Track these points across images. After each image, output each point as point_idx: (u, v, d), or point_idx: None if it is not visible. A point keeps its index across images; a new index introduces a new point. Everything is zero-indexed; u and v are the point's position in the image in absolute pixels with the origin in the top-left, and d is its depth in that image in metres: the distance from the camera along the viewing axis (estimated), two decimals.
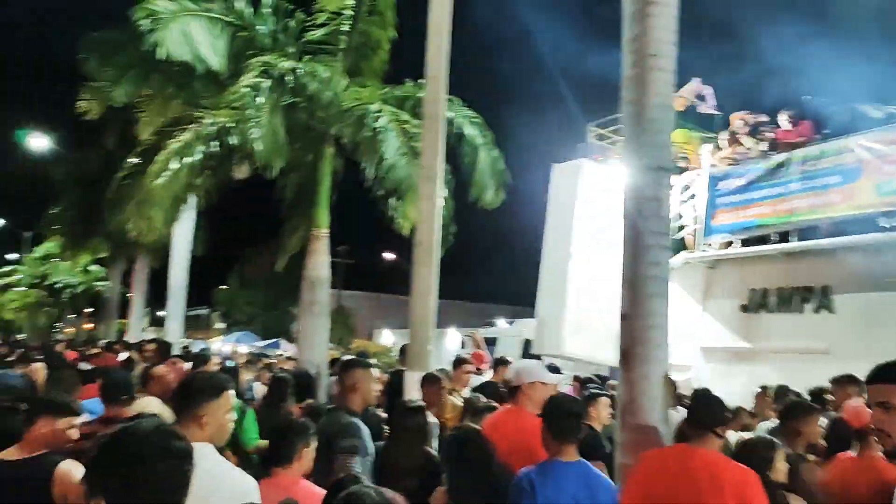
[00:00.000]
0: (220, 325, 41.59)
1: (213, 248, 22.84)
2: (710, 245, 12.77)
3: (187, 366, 7.33)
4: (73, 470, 3.23)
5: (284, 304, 36.89)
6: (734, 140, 13.05)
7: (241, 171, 11.44)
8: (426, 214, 8.10)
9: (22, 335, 34.78)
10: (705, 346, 12.56)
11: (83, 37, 14.38)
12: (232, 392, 2.89)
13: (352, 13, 10.53)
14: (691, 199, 13.17)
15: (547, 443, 3.68)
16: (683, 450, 3.38)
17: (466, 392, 6.44)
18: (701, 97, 15.08)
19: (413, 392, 7.11)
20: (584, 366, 12.73)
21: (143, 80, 13.46)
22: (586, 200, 13.46)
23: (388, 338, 33.47)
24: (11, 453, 3.31)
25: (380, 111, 9.95)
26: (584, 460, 3.67)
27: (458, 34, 8.17)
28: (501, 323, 24.07)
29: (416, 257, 8.05)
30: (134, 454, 1.66)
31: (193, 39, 10.05)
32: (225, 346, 28.02)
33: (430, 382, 5.71)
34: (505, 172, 11.27)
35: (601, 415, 5.53)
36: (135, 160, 12.42)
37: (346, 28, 10.64)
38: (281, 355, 18.83)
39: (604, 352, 11.38)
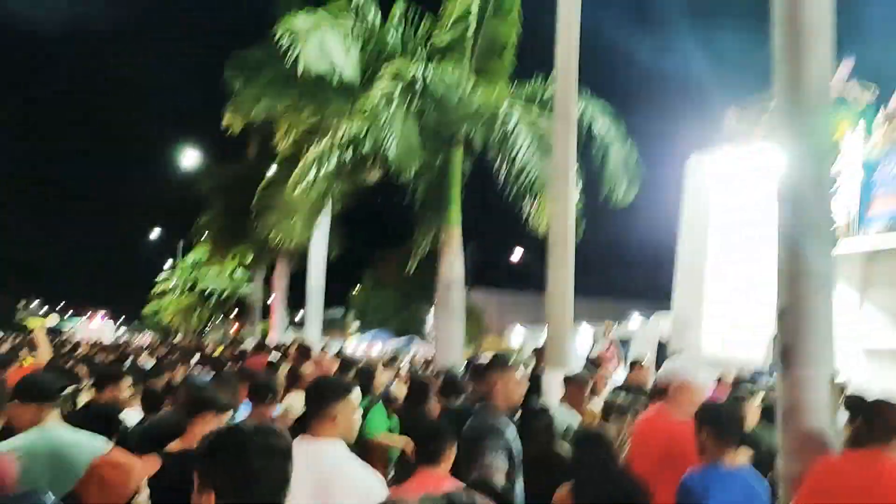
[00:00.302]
0: (354, 326, 42.96)
1: (347, 251, 23.56)
2: (866, 235, 11.84)
3: (333, 366, 7.59)
4: None
5: (416, 303, 37.67)
6: (891, 121, 12.04)
7: (373, 176, 11.75)
8: (560, 213, 8.01)
9: (178, 337, 37.40)
10: (869, 348, 11.61)
11: (228, 57, 15.36)
12: (357, 393, 3.11)
13: (477, 14, 10.59)
14: (844, 187, 12.27)
15: (706, 447, 3.56)
16: (864, 457, 3.13)
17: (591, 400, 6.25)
18: (847, 78, 14.02)
19: (554, 392, 7.04)
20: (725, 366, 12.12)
21: (280, 95, 14.18)
22: (725, 191, 12.87)
23: (519, 335, 33.33)
24: (176, 446, 3.56)
25: (510, 111, 9.93)
26: (747, 465, 3.55)
27: (584, 22, 8.03)
28: (635, 319, 23.37)
29: (551, 256, 7.97)
30: (236, 451, 1.75)
31: (329, 51, 10.42)
32: (360, 345, 28.94)
33: (574, 383, 5.61)
34: (638, 166, 10.96)
35: (748, 418, 5.24)
36: (274, 170, 13.08)
37: (472, 29, 10.71)
38: (415, 355, 19.21)
39: (747, 351, 10.82)
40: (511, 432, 4.06)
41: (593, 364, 6.73)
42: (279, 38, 10.33)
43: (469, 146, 11.02)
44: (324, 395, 3.03)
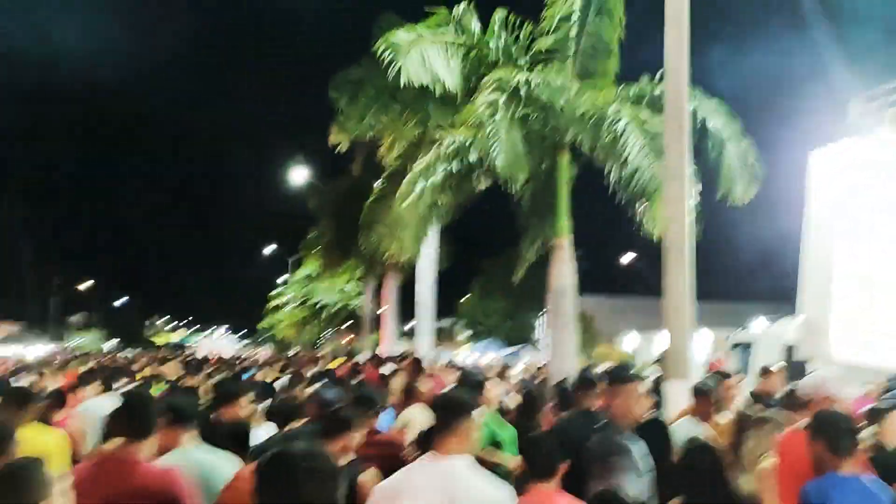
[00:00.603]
0: (464, 336, 43.09)
1: (454, 261, 23.65)
2: None
3: (449, 379, 7.57)
4: (372, 476, 3.62)
5: (526, 311, 37.37)
6: None
7: (480, 185, 11.69)
8: (675, 216, 7.70)
9: (293, 350, 38.64)
10: None
11: (332, 77, 15.82)
12: (482, 409, 3.30)
13: (580, 16, 10.38)
14: None
15: (822, 456, 3.53)
16: None
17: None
18: None
19: (676, 404, 6.73)
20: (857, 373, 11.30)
21: (383, 110, 14.44)
22: (852, 185, 12.05)
23: (632, 341, 32.44)
24: None
25: (618, 113, 9.65)
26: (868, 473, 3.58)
27: (692, 17, 7.71)
28: (758, 324, 22.24)
29: (667, 261, 7.67)
30: (286, 474, 1.82)
31: (431, 63, 10.47)
32: (471, 356, 28.97)
33: (703, 394, 5.31)
34: (756, 164, 10.41)
35: (894, 431, 4.78)
36: (381, 184, 13.27)
37: (574, 32, 10.51)
38: (527, 365, 19.01)
39: (883, 357, 10.05)
40: (639, 450, 3.87)
41: (720, 374, 6.36)
42: (380, 54, 10.48)
43: (576, 151, 10.78)
44: (452, 412, 3.09)
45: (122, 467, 3.08)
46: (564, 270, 10.54)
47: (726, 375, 6.33)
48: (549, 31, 10.58)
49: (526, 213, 11.78)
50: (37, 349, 32.63)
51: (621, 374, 4.53)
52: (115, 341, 60.46)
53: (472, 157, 10.02)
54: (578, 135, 10.14)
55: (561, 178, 10.73)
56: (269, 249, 46.55)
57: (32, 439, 4.46)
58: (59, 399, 6.38)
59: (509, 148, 9.51)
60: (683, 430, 4.96)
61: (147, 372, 11.59)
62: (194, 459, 3.43)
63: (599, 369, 8.58)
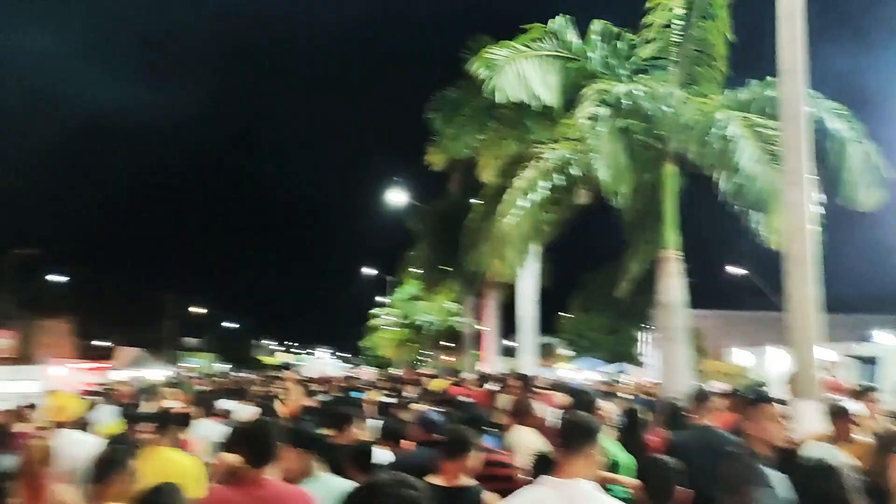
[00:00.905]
0: (565, 352, 42.41)
1: (554, 277, 23.33)
2: None
3: (559, 399, 7.37)
4: (493, 500, 3.66)
5: (627, 327, 36.44)
6: None
7: (582, 200, 11.46)
8: (795, 223, 7.26)
9: (395, 369, 39.09)
10: None
11: (428, 98, 16.06)
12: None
13: (682, 22, 10.05)
14: None
15: None
16: None
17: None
18: None
19: (806, 426, 6.30)
20: None
21: (480, 129, 14.47)
22: None
23: (742, 357, 30.99)
24: (441, 480, 3.68)
25: (727, 119, 9.24)
26: None
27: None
28: (883, 336, 20.80)
29: (789, 271, 7.23)
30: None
31: (527, 79, 10.38)
32: (572, 373, 28.43)
33: (840, 415, 4.94)
34: (881, 167, 9.75)
35: None
36: (480, 203, 13.23)
37: (677, 39, 10.19)
38: (631, 382, 18.44)
39: None
40: (779, 482, 3.58)
41: (861, 390, 5.92)
42: (476, 71, 10.47)
43: (682, 161, 10.41)
44: (579, 435, 3.09)
45: (256, 489, 3.12)
46: (673, 284, 10.14)
47: (865, 391, 5.89)
48: (650, 39, 10.30)
49: (630, 226, 11.44)
50: (155, 372, 34.27)
51: (756, 395, 4.25)
52: (225, 364, 62.90)
53: (574, 172, 9.85)
54: (685, 144, 9.78)
55: (666, 189, 10.37)
56: (368, 271, 47.40)
57: (169, 462, 4.61)
58: (184, 421, 6.59)
59: (612, 160, 9.27)
60: (819, 455, 4.62)
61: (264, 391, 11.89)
62: (328, 487, 3.42)
63: (714, 387, 8.18)
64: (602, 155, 9.14)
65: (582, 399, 6.51)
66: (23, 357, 32.91)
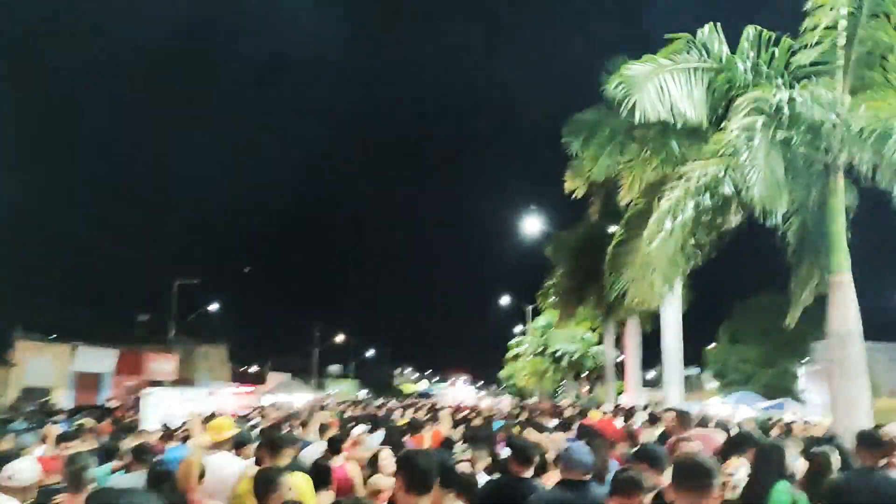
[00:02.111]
0: (712, 386, 40.00)
1: (699, 305, 22.10)
2: None
3: (718, 438, 6.66)
4: None
5: (783, 359, 33.83)
6: None
7: (733, 221, 10.59)
8: None
9: (532, 399, 38.34)
10: None
11: (566, 120, 15.63)
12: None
13: (849, 22, 9.09)
14: None
15: None
16: None
17: None
18: None
19: None
20: None
21: (620, 151, 13.84)
22: None
23: None
24: None
25: None
26: None
27: None
28: None
29: None
30: None
31: (669, 95, 9.74)
32: (725, 408, 26.54)
33: None
34: None
35: None
36: (623, 227, 12.59)
37: (843, 41, 9.23)
38: (794, 421, 16.84)
39: None
40: None
41: None
42: (614, 89, 9.94)
43: (851, 174, 9.37)
44: (704, 477, 2.96)
45: None
46: (847, 313, 9.07)
47: None
48: (812, 44, 9.37)
49: (795, 249, 10.39)
50: (301, 397, 35.43)
51: None
52: (366, 390, 64.38)
53: (726, 190, 9.07)
54: (856, 155, 8.77)
55: (835, 206, 9.35)
56: (506, 300, 47.12)
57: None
58: (335, 447, 6.55)
59: (768, 175, 8.43)
60: None
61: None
62: None
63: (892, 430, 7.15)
64: (757, 169, 8.33)
65: (745, 442, 5.78)
66: (183, 379, 35.10)
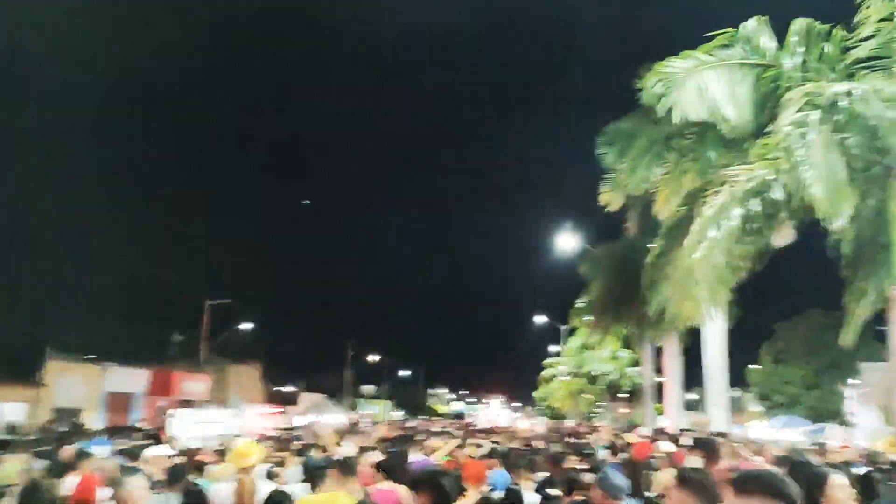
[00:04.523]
0: (755, 408, 38.50)
1: (741, 323, 21.15)
2: None
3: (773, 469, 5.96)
4: None
5: (830, 381, 32.40)
6: None
7: (785, 235, 9.77)
8: None
9: (568, 421, 37.37)
10: None
11: (598, 132, 14.99)
12: None
13: None
14: None
15: None
16: None
17: None
18: None
19: None
20: None
21: (657, 161, 13.13)
22: None
23: None
24: None
25: None
26: None
27: None
28: None
29: None
30: None
31: (710, 94, 9.10)
32: (770, 431, 25.40)
33: None
34: None
35: None
36: (662, 240, 11.90)
37: None
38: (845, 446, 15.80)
39: None
40: None
41: None
42: (651, 87, 9.32)
43: None
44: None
45: None
46: None
47: None
48: (868, 35, 8.65)
49: (850, 261, 9.54)
50: (334, 417, 34.95)
51: None
52: (400, 411, 63.73)
53: (777, 194, 8.36)
54: None
55: (894, 213, 8.55)
56: (540, 319, 46.21)
57: None
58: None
59: (828, 174, 7.66)
60: None
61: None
62: None
63: None
64: (815, 167, 7.58)
65: (807, 473, 5.12)
66: (217, 399, 34.84)
